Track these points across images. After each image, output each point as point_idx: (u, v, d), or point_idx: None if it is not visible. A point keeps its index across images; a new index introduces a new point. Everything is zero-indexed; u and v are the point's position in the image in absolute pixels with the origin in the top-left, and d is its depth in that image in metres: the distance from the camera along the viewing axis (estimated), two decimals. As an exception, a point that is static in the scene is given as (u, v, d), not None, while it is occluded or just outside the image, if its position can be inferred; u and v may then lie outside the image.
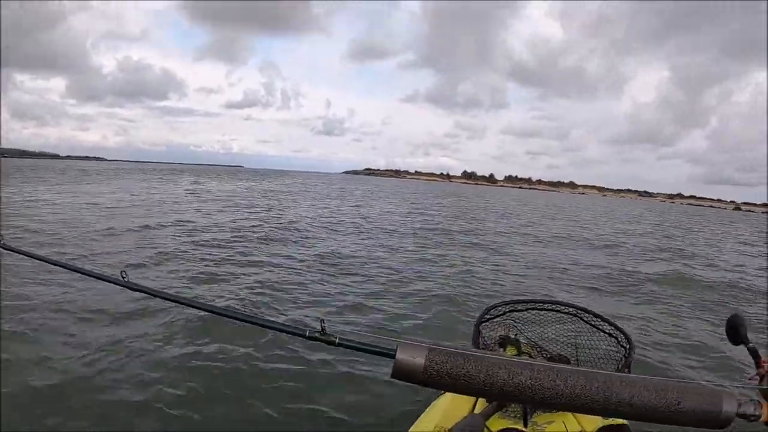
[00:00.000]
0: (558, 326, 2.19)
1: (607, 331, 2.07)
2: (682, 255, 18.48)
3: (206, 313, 1.39)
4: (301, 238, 15.88)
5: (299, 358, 5.69)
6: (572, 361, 2.10)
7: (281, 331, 1.21)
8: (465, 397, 1.87)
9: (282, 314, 7.55)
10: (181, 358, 5.62)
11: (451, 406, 1.93)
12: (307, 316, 7.41)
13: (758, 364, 1.09)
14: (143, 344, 5.96)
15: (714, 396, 0.92)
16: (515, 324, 2.25)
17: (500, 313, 2.24)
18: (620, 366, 1.95)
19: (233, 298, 8.12)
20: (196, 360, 5.56)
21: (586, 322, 2.13)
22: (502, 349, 2.18)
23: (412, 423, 1.98)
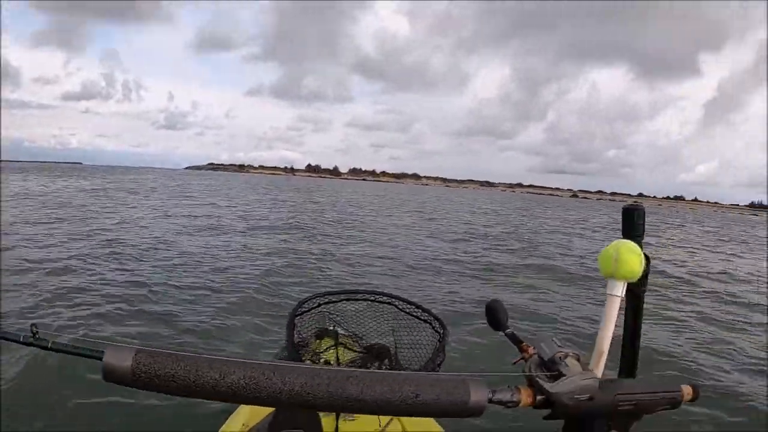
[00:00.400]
0: (375, 315, 2.15)
1: (422, 317, 2.06)
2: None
3: None
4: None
5: (21, 365, 5.07)
6: (391, 349, 2.10)
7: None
8: (262, 410, 1.90)
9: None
10: None
11: (247, 420, 1.95)
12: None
13: (520, 349, 1.11)
14: None
15: (458, 386, 0.88)
16: (331, 315, 2.20)
17: (315, 305, 2.14)
18: (437, 349, 1.94)
19: None
20: None
21: (400, 309, 2.11)
22: (318, 341, 2.16)
23: (222, 423, 2.05)
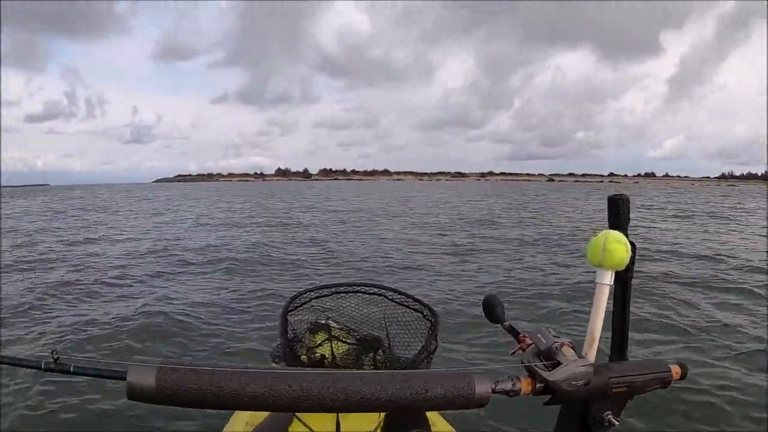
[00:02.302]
0: (366, 307, 2.19)
1: (413, 307, 2.11)
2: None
3: None
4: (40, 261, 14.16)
5: (40, 391, 5.21)
6: (383, 340, 2.13)
7: (13, 365, 1.03)
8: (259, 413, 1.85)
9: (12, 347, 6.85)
10: None
11: (247, 423, 1.92)
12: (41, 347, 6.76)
13: (518, 340, 1.16)
14: None
15: (464, 379, 0.95)
16: (323, 309, 2.22)
17: (306, 300, 2.18)
18: (428, 337, 1.99)
19: None
20: None
21: (391, 300, 2.16)
22: (312, 336, 2.17)
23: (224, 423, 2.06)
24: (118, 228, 23.25)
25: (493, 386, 0.96)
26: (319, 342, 2.15)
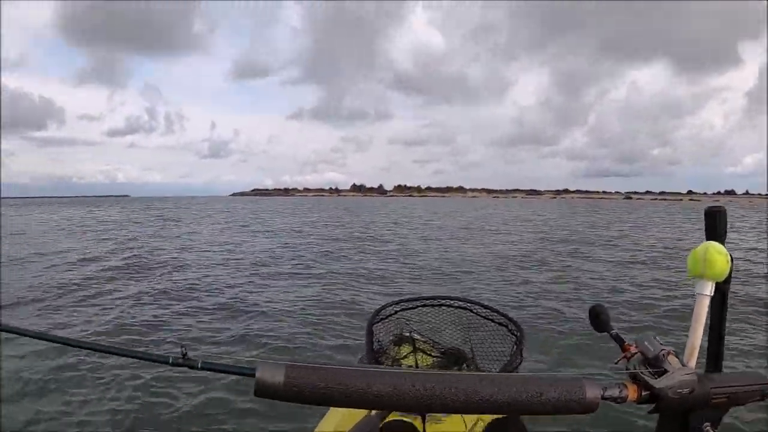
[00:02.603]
0: (451, 320, 2.20)
1: (498, 321, 2.11)
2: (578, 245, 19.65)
3: (68, 347, 1.19)
4: (163, 268, 15.19)
5: (166, 385, 5.69)
6: (467, 353, 2.13)
7: (144, 359, 1.13)
8: (354, 411, 1.85)
9: (143, 343, 7.54)
10: (50, 396, 5.53)
11: (340, 422, 1.92)
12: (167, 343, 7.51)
13: (623, 348, 1.14)
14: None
15: (576, 384, 0.97)
16: (408, 322, 2.24)
17: (392, 312, 2.21)
18: (513, 352, 1.98)
19: (97, 331, 8.11)
20: (61, 398, 5.45)
21: (476, 314, 2.15)
22: (396, 348, 2.18)
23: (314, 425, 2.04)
24: (215, 239, 24.48)
25: (602, 392, 0.97)
26: (404, 354, 2.16)
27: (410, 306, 2.22)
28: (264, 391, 0.96)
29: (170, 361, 1.06)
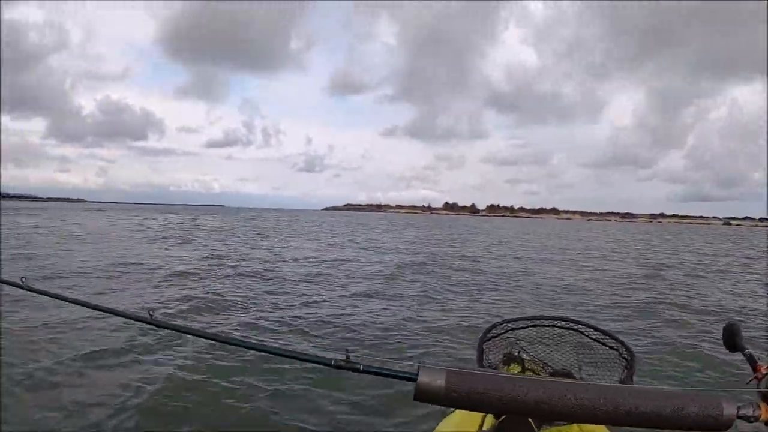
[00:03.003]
0: (560, 342, 2.13)
1: (609, 344, 2.03)
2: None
3: (232, 346, 1.46)
4: (313, 273, 15.99)
5: (325, 386, 5.78)
6: (576, 376, 2.03)
7: (308, 361, 1.25)
8: (473, 415, 1.79)
9: (304, 344, 7.76)
10: (212, 395, 5.60)
11: (459, 425, 1.88)
12: (327, 346, 7.64)
13: (755, 368, 1.16)
14: (170, 382, 5.92)
15: (713, 401, 0.99)
16: (518, 341, 2.16)
17: (502, 331, 2.14)
18: (623, 377, 1.92)
19: (259, 332, 8.40)
20: (227, 396, 5.56)
21: (587, 336, 2.08)
22: (506, 367, 2.11)
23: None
24: (326, 250, 24.76)
25: (737, 410, 0.98)
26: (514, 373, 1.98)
27: (520, 326, 2.20)
28: (424, 395, 1.02)
29: (332, 363, 1.14)
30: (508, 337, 2.14)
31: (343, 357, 1.13)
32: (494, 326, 2.10)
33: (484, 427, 1.68)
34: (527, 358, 2.12)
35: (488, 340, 2.08)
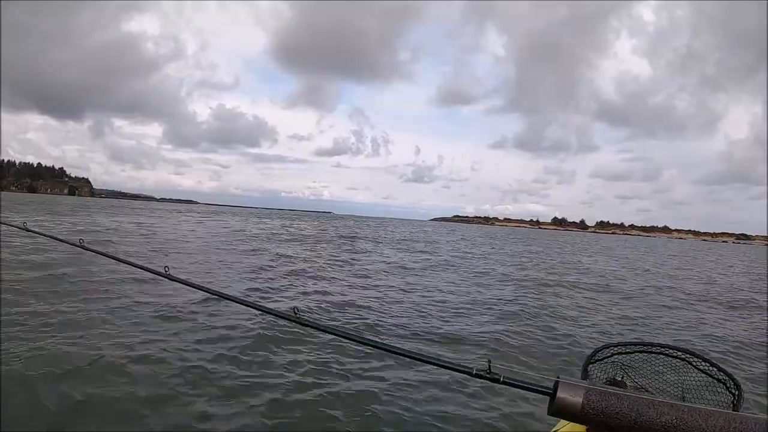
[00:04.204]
0: (665, 369, 1.93)
1: (717, 376, 1.83)
2: None
3: (370, 348, 1.58)
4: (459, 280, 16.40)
5: (455, 393, 5.83)
6: None
7: (449, 368, 1.31)
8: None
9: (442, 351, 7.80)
10: (354, 396, 5.66)
11: None
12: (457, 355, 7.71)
13: None
14: (306, 377, 6.09)
15: None
16: (623, 366, 1.97)
17: (608, 354, 1.95)
18: (731, 410, 1.69)
19: (400, 335, 8.59)
20: (365, 397, 5.63)
21: (694, 366, 1.88)
22: None
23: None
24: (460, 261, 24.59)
25: None
26: None
27: (627, 350, 1.99)
28: (560, 411, 1.06)
29: (473, 372, 1.20)
30: (613, 361, 2.00)
31: (485, 367, 1.21)
32: (600, 349, 1.95)
33: None
34: (630, 383, 1.95)
35: (594, 362, 1.94)
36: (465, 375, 1.24)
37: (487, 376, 1.18)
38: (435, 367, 1.41)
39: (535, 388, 1.15)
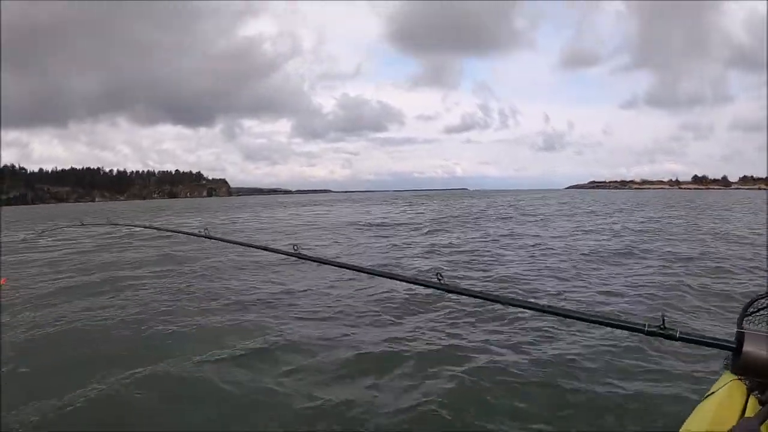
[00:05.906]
0: None
1: None
2: None
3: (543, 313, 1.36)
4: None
5: (630, 353, 5.70)
6: None
7: (620, 327, 1.28)
8: (735, 398, 1.51)
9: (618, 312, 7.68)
10: (544, 363, 5.64)
11: (719, 409, 1.54)
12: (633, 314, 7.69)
13: None
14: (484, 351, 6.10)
15: None
16: None
17: (764, 306, 1.72)
18: None
19: (580, 301, 8.51)
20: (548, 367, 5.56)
21: None
22: None
23: (679, 425, 1.65)
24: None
25: None
26: None
27: None
28: (748, 367, 0.99)
29: (645, 330, 1.16)
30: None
31: (658, 323, 1.17)
32: (756, 299, 1.76)
33: (747, 413, 1.42)
34: None
35: (749, 314, 1.71)
36: (639, 333, 1.21)
37: (661, 332, 1.16)
38: (603, 327, 1.44)
39: (716, 343, 1.10)
